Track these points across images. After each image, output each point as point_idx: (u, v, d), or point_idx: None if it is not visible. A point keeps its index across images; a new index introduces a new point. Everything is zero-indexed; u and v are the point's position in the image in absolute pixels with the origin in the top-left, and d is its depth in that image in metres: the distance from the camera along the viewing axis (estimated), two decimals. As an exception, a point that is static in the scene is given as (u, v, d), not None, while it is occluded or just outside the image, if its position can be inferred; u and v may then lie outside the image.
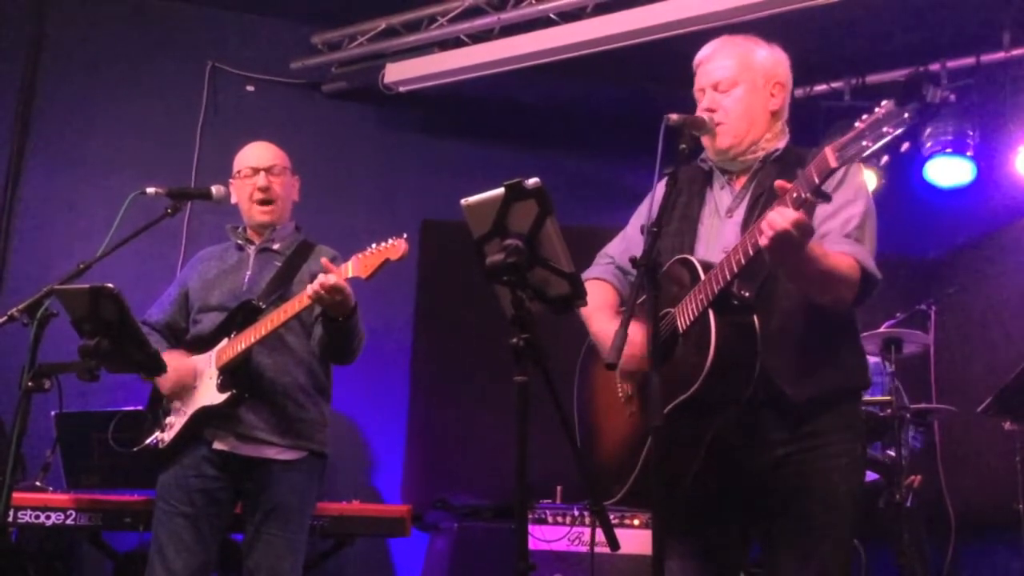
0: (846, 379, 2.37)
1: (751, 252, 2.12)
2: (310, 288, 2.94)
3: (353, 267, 2.97)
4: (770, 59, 2.50)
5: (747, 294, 2.24)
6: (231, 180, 3.43)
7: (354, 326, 3.12)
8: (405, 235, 2.94)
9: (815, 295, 2.25)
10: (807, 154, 2.29)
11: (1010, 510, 4.40)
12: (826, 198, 2.04)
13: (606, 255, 2.70)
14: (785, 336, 2.27)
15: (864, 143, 1.93)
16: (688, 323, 2.23)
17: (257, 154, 3.40)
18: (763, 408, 2.26)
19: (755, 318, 2.20)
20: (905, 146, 1.89)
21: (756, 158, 2.45)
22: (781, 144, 2.46)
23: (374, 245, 2.97)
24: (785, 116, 2.52)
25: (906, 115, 1.88)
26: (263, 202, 3.34)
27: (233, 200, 3.41)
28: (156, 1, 5.62)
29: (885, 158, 1.87)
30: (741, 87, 2.45)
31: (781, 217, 2.02)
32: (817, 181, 2.00)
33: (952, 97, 5.09)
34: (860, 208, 2.32)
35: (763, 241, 2.05)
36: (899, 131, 1.89)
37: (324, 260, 2.98)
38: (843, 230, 2.28)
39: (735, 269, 2.15)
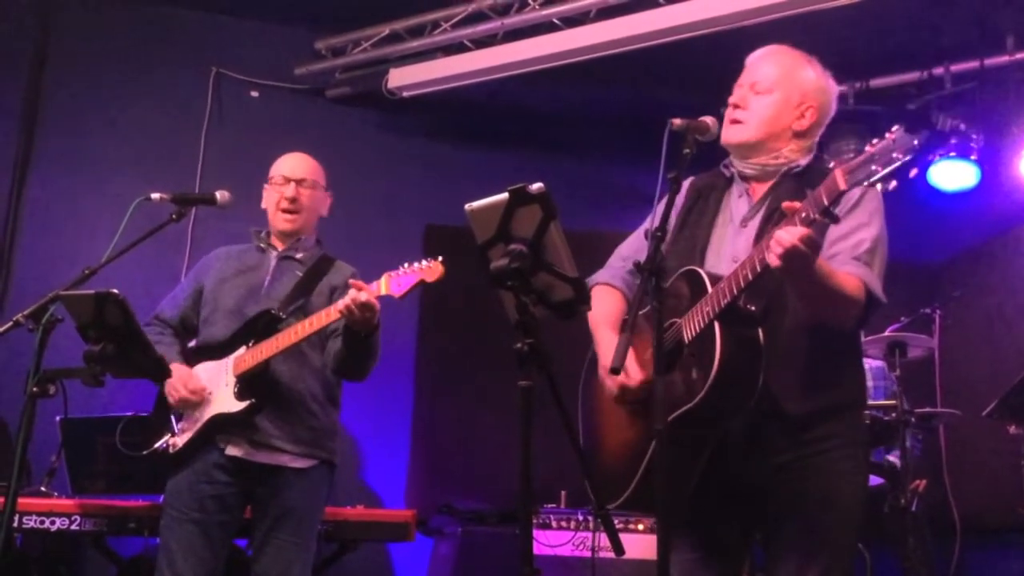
0: (845, 396, 2.37)
1: (759, 268, 2.12)
2: (341, 303, 2.95)
3: (386, 285, 2.97)
4: (813, 82, 2.52)
5: (753, 308, 2.24)
6: (266, 185, 3.46)
7: (374, 343, 3.13)
8: (441, 258, 2.95)
9: (820, 313, 2.25)
10: (828, 172, 2.31)
11: (1015, 514, 4.39)
12: (834, 219, 2.06)
13: (620, 256, 2.69)
14: (788, 353, 2.27)
15: (874, 167, 1.94)
16: (693, 334, 2.24)
17: (292, 164, 3.44)
18: (765, 418, 2.27)
19: (760, 332, 2.21)
20: (914, 172, 1.90)
21: (777, 167, 2.45)
22: (804, 161, 2.46)
23: (406, 264, 2.97)
24: (814, 138, 2.53)
25: (916, 142, 1.90)
26: (288, 211, 3.36)
27: (263, 205, 3.44)
28: (160, 7, 5.63)
29: (893, 183, 1.86)
30: (776, 95, 2.47)
31: (789, 234, 2.03)
32: (826, 202, 2.01)
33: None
34: (872, 233, 2.33)
35: (771, 259, 2.06)
36: (908, 157, 1.90)
37: (355, 282, 2.98)
38: (853, 252, 2.29)
39: (742, 284, 2.16)
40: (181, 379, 3.15)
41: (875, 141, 1.96)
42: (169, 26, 5.63)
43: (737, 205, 2.48)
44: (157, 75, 5.54)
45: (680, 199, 2.55)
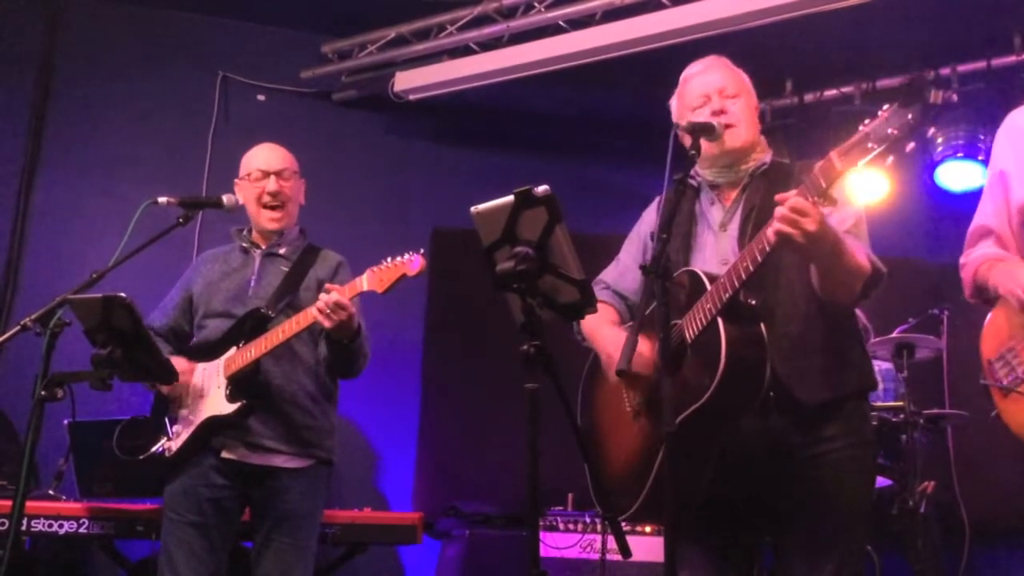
0: (855, 381, 2.39)
1: (759, 258, 2.13)
2: (313, 307, 2.94)
3: (368, 281, 2.95)
4: (750, 82, 2.60)
5: (753, 302, 2.25)
6: (238, 181, 3.41)
7: (358, 348, 3.11)
8: (422, 250, 2.93)
9: (834, 285, 2.25)
10: (792, 168, 2.39)
11: (1024, 516, 4.37)
12: (832, 202, 2.07)
13: (601, 282, 2.73)
14: (792, 341, 2.28)
15: (869, 145, 1.96)
16: (696, 333, 2.24)
17: (267, 157, 3.37)
18: (774, 413, 2.26)
19: (762, 325, 2.21)
20: (910, 147, 1.90)
21: (746, 171, 2.49)
22: (767, 158, 2.52)
23: (389, 259, 2.95)
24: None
25: (910, 117, 1.91)
26: (272, 207, 3.32)
27: (240, 201, 3.38)
28: (167, 12, 5.65)
29: (890, 159, 1.87)
30: (743, 98, 2.52)
31: (786, 202, 2.05)
32: (824, 185, 2.03)
33: (954, 97, 5.08)
34: (853, 209, 2.38)
35: (782, 229, 2.06)
36: (903, 133, 1.91)
37: (328, 285, 2.97)
38: (841, 228, 2.30)
39: (743, 276, 2.16)
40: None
41: (868, 121, 1.98)
42: (176, 30, 5.65)
43: (711, 212, 2.51)
44: (164, 79, 5.56)
45: (652, 215, 2.61)
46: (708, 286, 2.24)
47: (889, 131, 1.93)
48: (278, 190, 3.31)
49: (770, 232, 2.10)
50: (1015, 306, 2.29)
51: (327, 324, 2.93)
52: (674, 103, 2.62)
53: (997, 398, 2.34)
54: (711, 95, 2.50)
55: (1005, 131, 2.49)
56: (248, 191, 3.36)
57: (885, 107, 1.95)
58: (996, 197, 2.47)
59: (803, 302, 2.30)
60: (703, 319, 2.22)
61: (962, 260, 2.54)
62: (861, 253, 2.26)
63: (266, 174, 3.32)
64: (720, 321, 2.18)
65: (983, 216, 2.51)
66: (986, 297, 2.44)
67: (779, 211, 2.07)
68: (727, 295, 2.18)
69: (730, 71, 2.57)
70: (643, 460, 2.35)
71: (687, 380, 2.23)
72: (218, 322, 3.24)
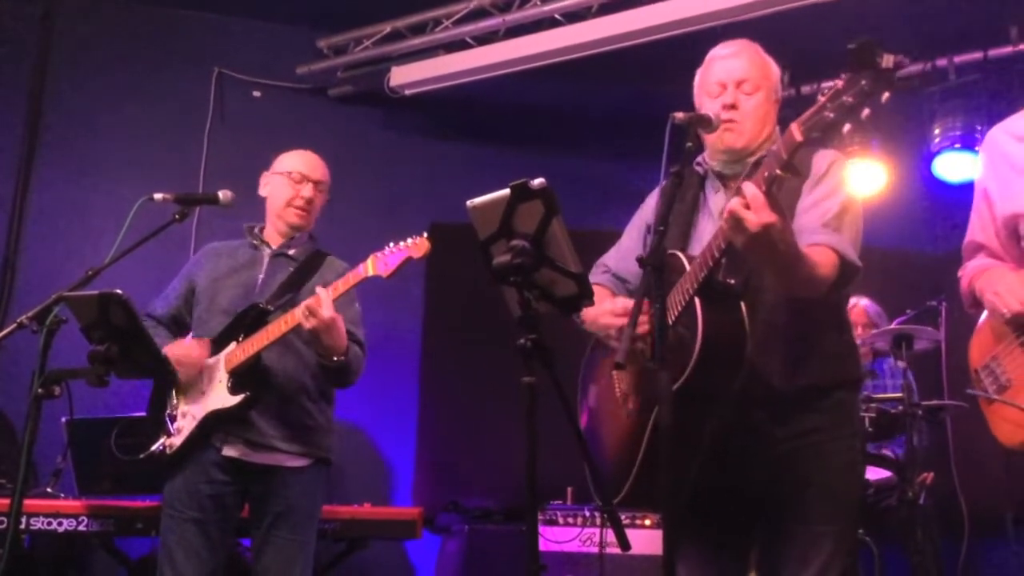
0: (834, 371, 2.37)
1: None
2: (297, 311, 2.96)
3: (373, 266, 2.97)
4: (777, 73, 2.56)
5: (733, 282, 2.24)
6: (269, 174, 3.42)
7: (346, 366, 3.12)
8: (425, 234, 2.94)
9: (790, 282, 2.23)
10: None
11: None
12: (795, 172, 2.06)
13: (602, 264, 2.72)
14: (770, 330, 2.28)
15: (826, 114, 1.96)
16: (677, 313, 2.24)
17: (311, 164, 3.43)
18: (757, 406, 2.26)
19: (742, 304, 2.21)
20: (866, 113, 1.92)
21: (751, 161, 2.46)
22: (774, 148, 2.46)
23: (391, 244, 2.97)
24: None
25: (863, 83, 1.90)
26: (302, 209, 3.36)
27: (263, 192, 3.41)
28: (163, 8, 5.64)
29: (848, 127, 1.89)
30: (762, 93, 2.48)
31: (736, 201, 2.04)
32: (785, 156, 2.02)
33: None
34: (839, 199, 2.34)
35: (724, 229, 2.06)
36: (858, 100, 1.91)
37: (319, 288, 2.99)
38: (820, 220, 2.30)
39: (716, 255, 2.16)
40: (181, 347, 3.16)
41: (826, 90, 1.98)
42: (171, 27, 5.64)
43: (715, 200, 2.50)
44: (160, 76, 5.54)
45: (654, 201, 2.59)
46: (688, 267, 2.24)
47: (844, 99, 1.93)
48: (312, 198, 3.37)
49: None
50: (990, 311, 2.32)
51: (306, 326, 2.96)
52: (696, 80, 2.58)
53: (984, 407, 2.37)
54: (728, 85, 2.47)
55: (985, 148, 2.52)
56: (281, 188, 3.38)
57: (842, 75, 1.95)
58: (982, 214, 2.53)
59: (783, 288, 2.29)
60: (682, 299, 2.22)
61: (960, 272, 2.57)
62: (817, 249, 2.21)
63: (306, 179, 3.37)
64: (697, 301, 2.18)
65: (973, 232, 2.57)
66: (982, 306, 2.47)
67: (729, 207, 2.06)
68: (703, 274, 2.18)
69: (756, 61, 2.51)
70: (631, 445, 2.35)
71: (668, 361, 2.22)
72: (222, 319, 3.24)
